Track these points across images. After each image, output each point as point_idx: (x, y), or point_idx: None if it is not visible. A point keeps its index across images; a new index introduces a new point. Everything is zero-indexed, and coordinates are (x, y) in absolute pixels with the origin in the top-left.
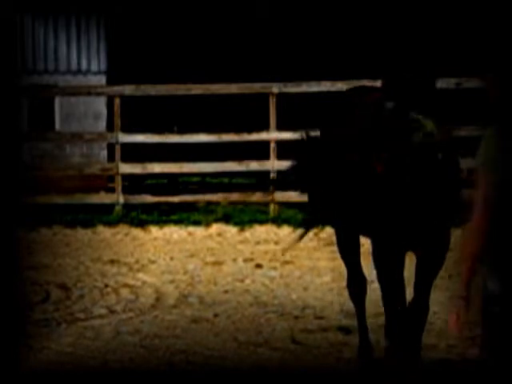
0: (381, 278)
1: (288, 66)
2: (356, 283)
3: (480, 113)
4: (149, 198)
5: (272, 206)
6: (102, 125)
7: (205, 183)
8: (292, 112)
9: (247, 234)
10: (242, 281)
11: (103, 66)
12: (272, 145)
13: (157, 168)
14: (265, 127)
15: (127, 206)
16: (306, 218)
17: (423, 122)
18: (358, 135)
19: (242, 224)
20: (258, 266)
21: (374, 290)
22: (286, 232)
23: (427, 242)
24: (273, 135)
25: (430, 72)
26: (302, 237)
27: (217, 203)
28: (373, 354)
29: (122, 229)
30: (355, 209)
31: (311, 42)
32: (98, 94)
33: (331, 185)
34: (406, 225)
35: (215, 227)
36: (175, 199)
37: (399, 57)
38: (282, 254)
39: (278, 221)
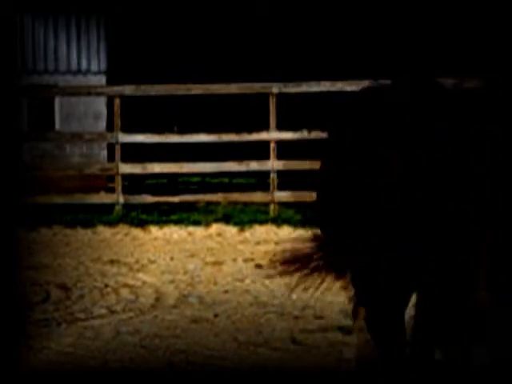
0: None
1: (288, 65)
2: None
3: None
4: (149, 198)
5: (272, 206)
6: (102, 125)
7: (205, 183)
8: (292, 112)
9: (247, 233)
10: (242, 281)
11: (103, 66)
12: (272, 145)
13: (157, 168)
14: (265, 127)
15: (127, 206)
16: None
17: None
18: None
19: (241, 224)
20: (258, 266)
21: None
22: (286, 232)
23: None
24: (273, 135)
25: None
26: None
27: (217, 203)
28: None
29: (122, 229)
30: None
31: (311, 42)
32: (98, 94)
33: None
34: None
35: (215, 227)
36: (175, 199)
37: (399, 57)
38: None
39: (278, 221)
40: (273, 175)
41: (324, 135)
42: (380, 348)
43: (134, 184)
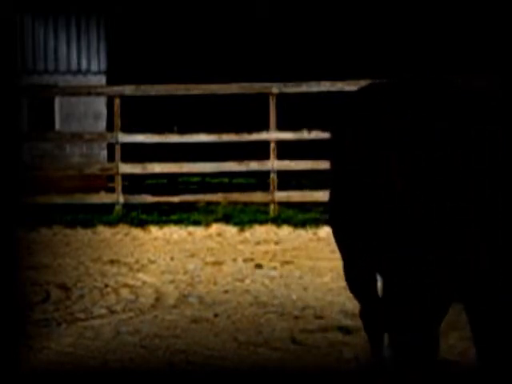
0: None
1: (288, 65)
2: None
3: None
4: (149, 198)
5: (272, 206)
6: (102, 125)
7: (205, 183)
8: (292, 112)
9: (247, 234)
10: (242, 281)
11: (103, 66)
12: (272, 145)
13: (157, 168)
14: (265, 127)
15: (127, 206)
16: None
17: None
18: None
19: (241, 224)
20: (258, 266)
21: None
22: (286, 232)
23: None
24: (273, 135)
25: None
26: None
27: (217, 203)
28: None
29: (122, 229)
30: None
31: (311, 42)
32: (98, 94)
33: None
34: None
35: (215, 227)
36: (175, 199)
37: (399, 57)
38: None
39: (278, 221)
40: (273, 175)
41: (324, 135)
42: (374, 347)
43: (134, 184)
